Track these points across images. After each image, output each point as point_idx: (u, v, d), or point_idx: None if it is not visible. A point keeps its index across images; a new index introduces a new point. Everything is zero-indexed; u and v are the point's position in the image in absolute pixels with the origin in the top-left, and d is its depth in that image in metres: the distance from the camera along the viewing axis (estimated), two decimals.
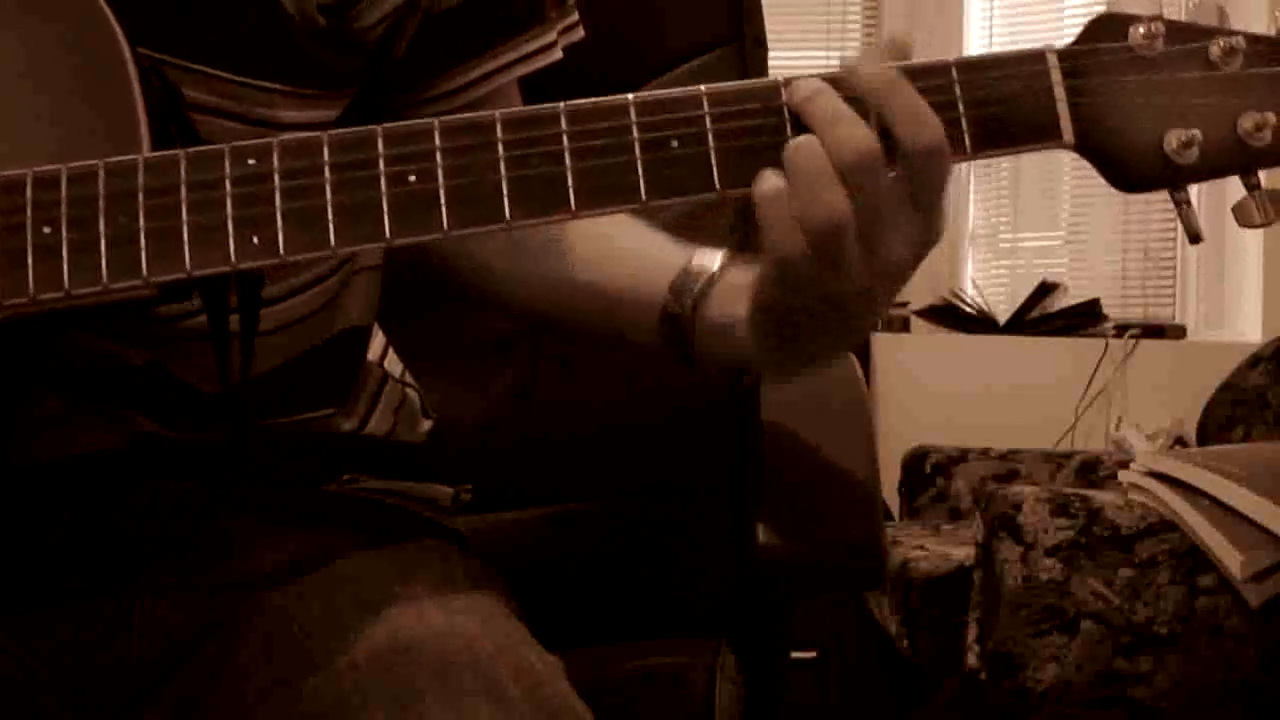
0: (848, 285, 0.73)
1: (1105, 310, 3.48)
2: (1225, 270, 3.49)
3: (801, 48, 3.81)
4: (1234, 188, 0.74)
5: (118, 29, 0.73)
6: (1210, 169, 0.72)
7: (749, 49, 1.21)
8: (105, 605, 0.85)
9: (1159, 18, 0.72)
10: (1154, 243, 3.56)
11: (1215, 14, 0.73)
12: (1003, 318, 3.54)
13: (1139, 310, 3.57)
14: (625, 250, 0.90)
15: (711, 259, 0.85)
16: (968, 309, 3.58)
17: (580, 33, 0.98)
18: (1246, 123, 0.71)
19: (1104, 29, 0.73)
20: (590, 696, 0.82)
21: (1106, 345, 3.33)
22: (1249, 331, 3.37)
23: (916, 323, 3.61)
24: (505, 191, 0.70)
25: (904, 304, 3.62)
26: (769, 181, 0.71)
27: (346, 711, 0.76)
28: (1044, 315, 3.49)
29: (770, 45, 1.23)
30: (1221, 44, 0.72)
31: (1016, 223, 3.77)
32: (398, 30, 0.91)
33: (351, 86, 0.90)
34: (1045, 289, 3.51)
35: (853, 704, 2.69)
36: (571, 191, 0.70)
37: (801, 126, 0.71)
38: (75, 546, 0.85)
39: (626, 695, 1.08)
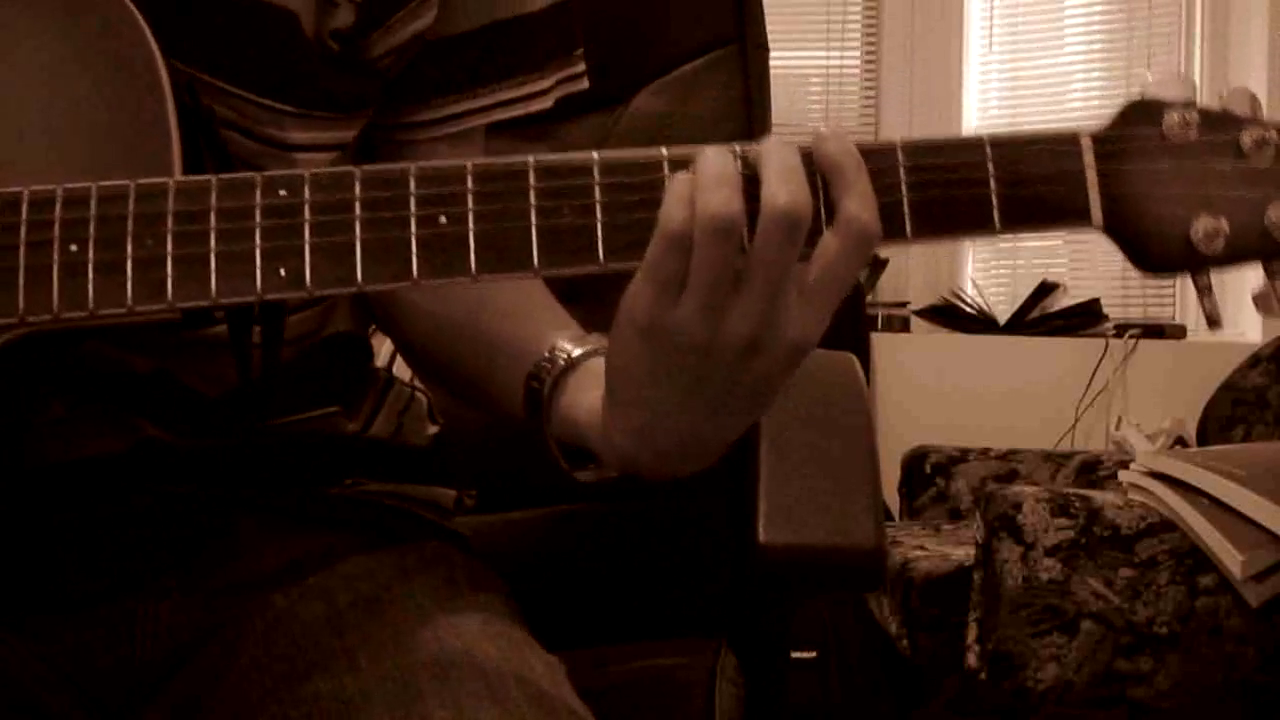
0: (694, 334, 0.69)
1: (1105, 310, 3.48)
2: (1225, 271, 3.49)
3: (801, 48, 3.81)
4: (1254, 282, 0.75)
5: (154, 43, 0.73)
6: (1234, 257, 0.72)
7: (750, 51, 1.21)
8: (109, 607, 0.85)
9: (1193, 104, 0.72)
10: None
11: (1248, 102, 0.73)
12: (1003, 318, 3.54)
13: (1139, 310, 3.57)
14: (522, 313, 0.88)
15: (576, 345, 0.83)
16: (968, 309, 3.58)
17: (584, 84, 0.97)
18: (1274, 214, 0.72)
19: (1138, 114, 0.72)
20: (591, 697, 0.82)
21: (1106, 345, 3.33)
22: (1249, 331, 3.37)
23: (916, 323, 3.61)
24: (535, 240, 0.69)
25: (904, 304, 3.62)
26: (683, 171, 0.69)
27: (348, 712, 0.76)
28: (1044, 315, 3.49)
29: (770, 46, 1.24)
30: (1254, 134, 0.72)
31: None
32: (404, 61, 0.91)
33: (363, 111, 0.90)
34: (1045, 289, 3.51)
35: (853, 704, 2.69)
36: (600, 244, 0.69)
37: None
38: (79, 549, 0.85)
39: (627, 696, 1.08)
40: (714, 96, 1.21)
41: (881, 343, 3.46)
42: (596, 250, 0.69)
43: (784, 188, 0.67)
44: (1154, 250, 0.72)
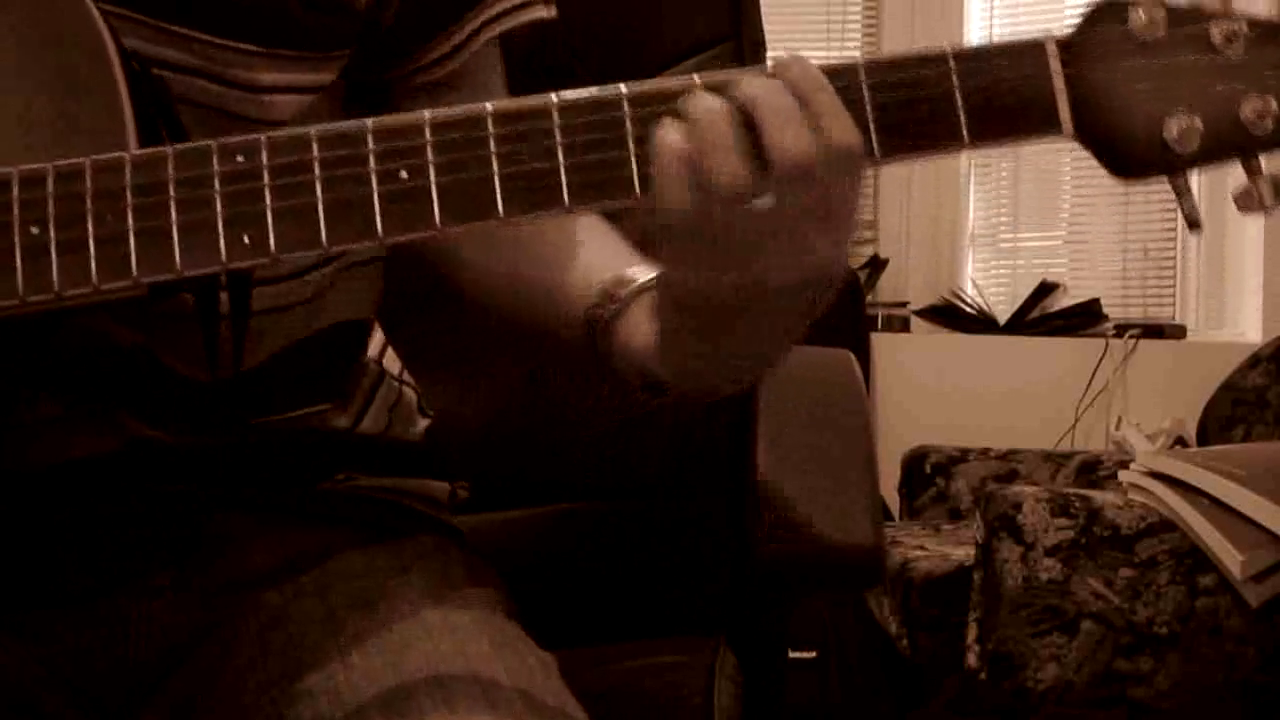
0: (735, 271, 0.71)
1: (1105, 310, 3.48)
2: (1225, 270, 3.49)
3: (801, 48, 3.81)
4: (1235, 181, 0.72)
5: (101, 21, 0.72)
6: (1211, 155, 0.70)
7: (746, 48, 1.21)
8: (103, 607, 0.84)
9: (1160, 1, 0.71)
10: (1154, 242, 3.56)
11: None
12: (1003, 318, 3.54)
13: (1139, 310, 3.57)
14: (578, 244, 0.89)
15: (643, 271, 0.83)
16: (968, 309, 3.58)
17: (552, 10, 0.96)
18: (1248, 109, 0.70)
19: (1104, 14, 0.71)
20: (589, 696, 0.82)
21: (1106, 345, 3.33)
22: (1249, 331, 3.37)
23: (916, 323, 3.61)
24: (498, 187, 0.69)
25: (904, 304, 3.62)
26: (670, 134, 0.68)
27: (342, 710, 0.76)
28: (1044, 315, 3.49)
29: (770, 45, 1.24)
30: (1223, 27, 0.70)
31: (1016, 223, 3.77)
32: (390, 6, 0.90)
33: (339, 51, 0.89)
34: (1045, 289, 3.51)
35: (853, 704, 2.69)
36: (565, 187, 0.69)
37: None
38: (73, 549, 0.84)
39: (626, 694, 1.07)
40: None
41: (881, 343, 3.46)
42: (561, 193, 0.69)
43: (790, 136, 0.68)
44: (1128, 153, 0.71)
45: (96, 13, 0.73)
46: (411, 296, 1.02)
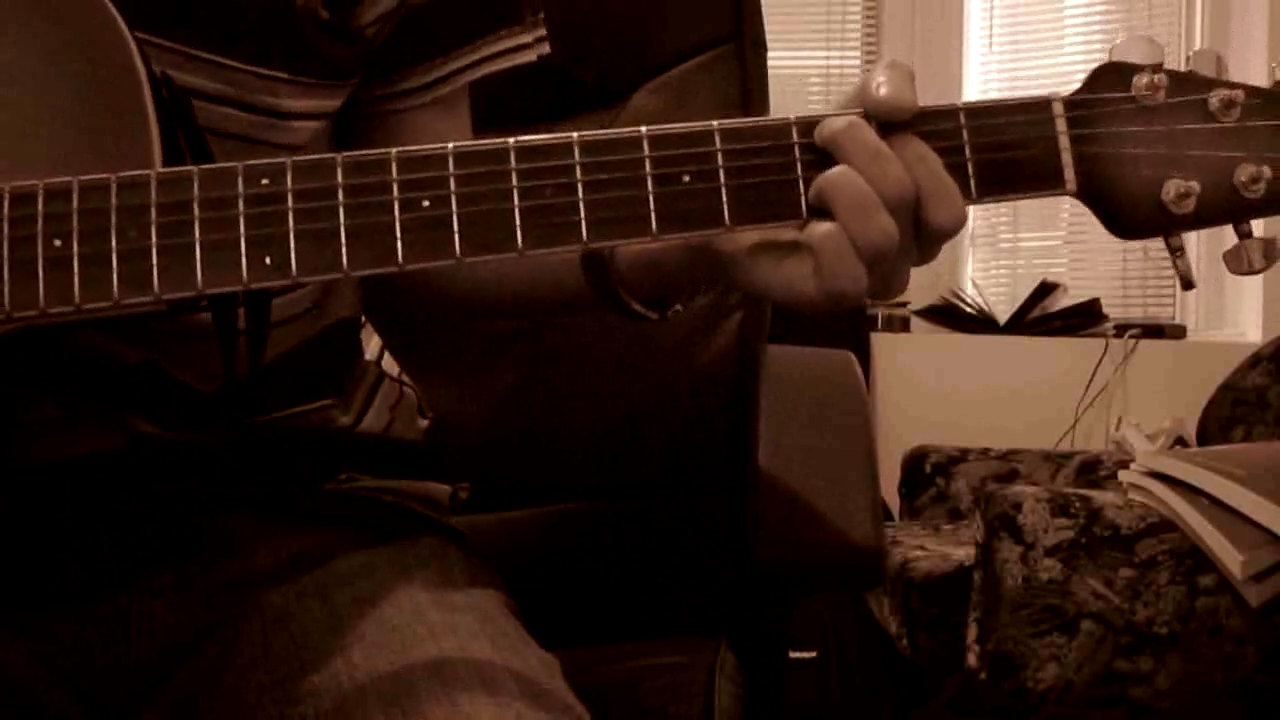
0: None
1: (1105, 310, 3.48)
2: (1225, 270, 3.48)
3: (801, 48, 3.81)
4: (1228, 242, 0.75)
5: (129, 37, 0.73)
6: (1206, 218, 0.73)
7: (748, 49, 1.21)
8: (105, 606, 0.85)
9: (1161, 67, 0.73)
10: (1154, 243, 3.54)
11: (1214, 63, 0.74)
12: (1003, 318, 3.54)
13: (1139, 310, 3.57)
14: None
15: None
16: (968, 309, 3.58)
17: (546, 48, 0.98)
18: (1243, 175, 0.72)
19: (1107, 78, 0.73)
20: (590, 696, 0.82)
21: (1106, 345, 3.33)
22: (1249, 331, 3.37)
23: (916, 323, 3.61)
24: (518, 221, 0.70)
25: (904, 304, 3.62)
26: (820, 226, 0.71)
27: (344, 710, 0.76)
28: (1044, 315, 3.49)
29: (770, 45, 1.24)
30: (1221, 96, 0.73)
31: (1016, 223, 3.77)
32: (389, 28, 0.91)
33: (352, 77, 0.91)
34: (1045, 289, 3.51)
35: (853, 704, 2.69)
36: (583, 222, 0.70)
37: (816, 165, 0.72)
38: (75, 548, 0.85)
39: (626, 695, 1.08)
40: (712, 95, 1.21)
41: (881, 343, 3.46)
42: (580, 229, 0.70)
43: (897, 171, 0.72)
44: (1127, 213, 0.73)
45: (129, 34, 0.73)
46: (406, 298, 1.02)
